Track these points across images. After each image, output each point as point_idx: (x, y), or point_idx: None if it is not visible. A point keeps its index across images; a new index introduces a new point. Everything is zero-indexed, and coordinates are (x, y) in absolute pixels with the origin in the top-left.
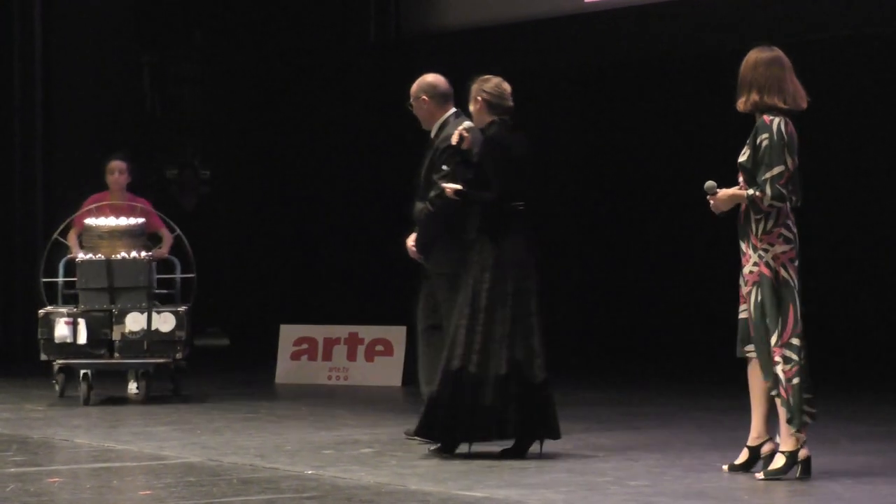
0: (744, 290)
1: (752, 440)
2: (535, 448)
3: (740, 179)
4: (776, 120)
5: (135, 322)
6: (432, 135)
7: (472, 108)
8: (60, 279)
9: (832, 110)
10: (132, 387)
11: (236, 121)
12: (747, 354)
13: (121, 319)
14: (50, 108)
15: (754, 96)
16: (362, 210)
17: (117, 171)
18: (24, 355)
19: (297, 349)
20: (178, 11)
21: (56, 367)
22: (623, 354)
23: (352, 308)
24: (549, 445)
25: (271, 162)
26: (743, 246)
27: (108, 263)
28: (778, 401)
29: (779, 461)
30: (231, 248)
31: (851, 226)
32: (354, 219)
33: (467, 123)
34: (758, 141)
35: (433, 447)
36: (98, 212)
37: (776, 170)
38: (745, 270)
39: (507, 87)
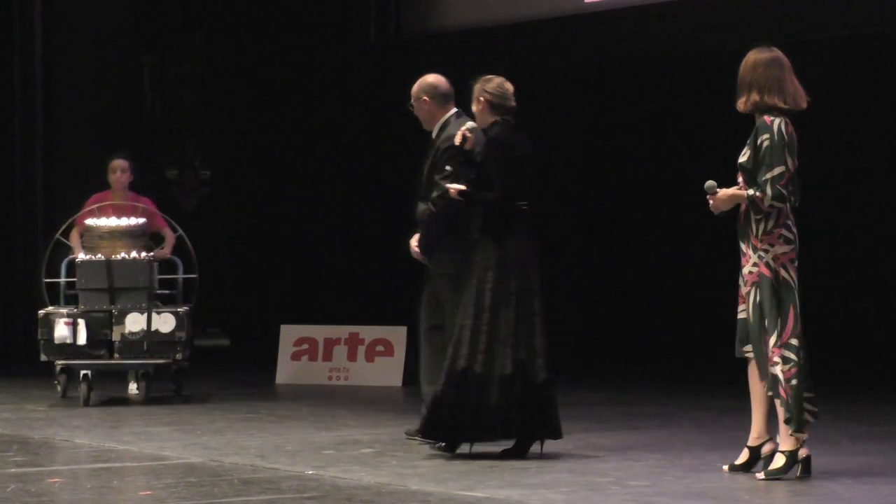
0: (743, 290)
1: (752, 440)
2: (535, 448)
3: (740, 180)
4: (777, 121)
5: (135, 323)
6: (433, 135)
7: (474, 108)
8: (62, 279)
9: (832, 110)
10: (132, 387)
11: (236, 121)
12: (746, 355)
13: (121, 320)
14: (50, 108)
15: (755, 96)
16: (362, 210)
17: (119, 169)
18: (24, 356)
19: (297, 349)
20: (178, 12)
21: (58, 368)
22: (623, 354)
23: (352, 308)
24: (550, 445)
25: (271, 162)
26: (743, 246)
27: (108, 264)
28: (777, 401)
29: (779, 461)
30: (231, 248)
31: (851, 226)
32: (354, 219)
33: (470, 124)
34: (758, 141)
35: (437, 447)
36: (100, 212)
37: (777, 170)
38: (745, 271)
39: (509, 87)
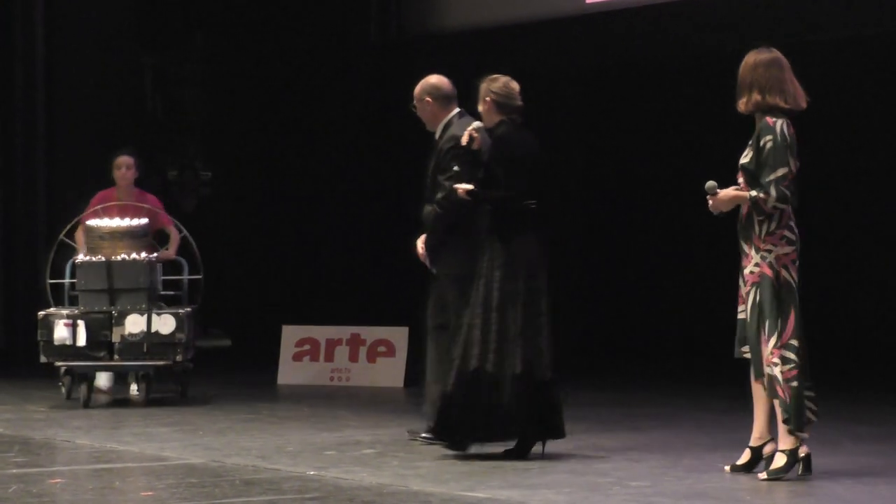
0: (743, 290)
1: (754, 440)
2: (536, 449)
3: (740, 180)
4: (779, 122)
5: (134, 324)
6: (436, 136)
7: (480, 108)
8: (67, 280)
9: (832, 110)
10: (133, 388)
11: (237, 122)
12: (745, 355)
13: (120, 321)
14: (51, 108)
15: (756, 97)
16: (363, 211)
17: (124, 166)
18: (25, 357)
19: (298, 350)
20: (178, 13)
21: (62, 370)
22: (623, 354)
23: (353, 309)
24: (551, 446)
25: (272, 162)
26: (745, 247)
27: (108, 265)
28: (776, 401)
29: (780, 460)
30: (233, 248)
31: (851, 226)
32: (355, 219)
33: (476, 123)
34: (761, 143)
35: (447, 447)
36: (104, 212)
37: (780, 171)
38: (746, 271)
39: (515, 86)
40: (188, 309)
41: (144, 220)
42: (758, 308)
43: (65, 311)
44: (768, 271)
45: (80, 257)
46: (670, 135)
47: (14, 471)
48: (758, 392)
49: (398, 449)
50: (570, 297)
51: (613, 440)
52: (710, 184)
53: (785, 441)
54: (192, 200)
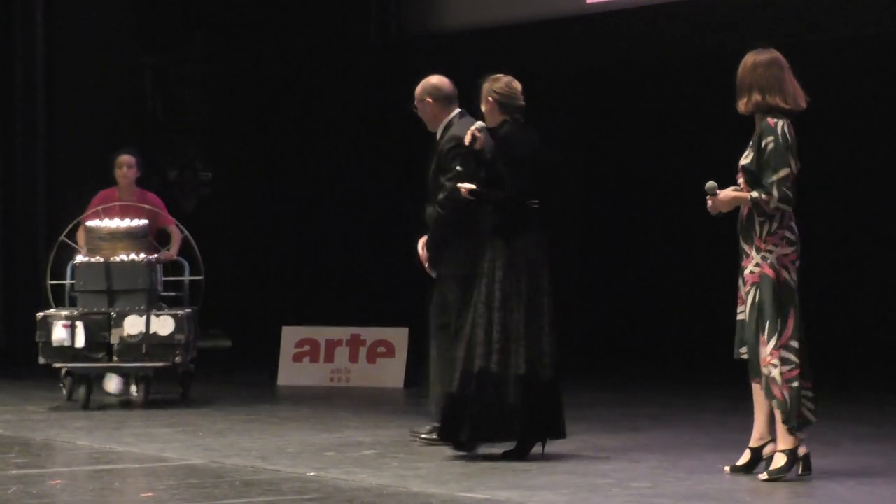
0: (742, 290)
1: (754, 441)
2: (536, 449)
3: (740, 181)
4: (780, 122)
5: (133, 325)
6: (437, 136)
7: (483, 108)
8: (68, 281)
9: (832, 110)
10: (132, 389)
11: (237, 122)
12: (743, 356)
13: (119, 323)
14: (51, 109)
15: (756, 97)
16: (363, 211)
17: (126, 165)
18: (25, 357)
19: (298, 351)
20: (178, 12)
21: (64, 371)
22: (623, 354)
23: (353, 309)
24: (551, 446)
25: (272, 163)
26: (745, 247)
27: (107, 266)
28: (774, 402)
29: (780, 460)
30: (233, 248)
31: (851, 226)
32: (355, 220)
33: (479, 123)
34: (762, 143)
35: (452, 447)
36: (106, 212)
37: (782, 172)
38: (747, 271)
39: (517, 85)
40: (188, 310)
41: (144, 221)
42: (757, 308)
43: (64, 313)
44: (769, 272)
45: (80, 258)
46: (670, 135)
47: (14, 472)
48: (758, 392)
49: (398, 450)
50: (570, 297)
51: (613, 440)
52: (711, 184)
53: (785, 441)
54: (192, 201)
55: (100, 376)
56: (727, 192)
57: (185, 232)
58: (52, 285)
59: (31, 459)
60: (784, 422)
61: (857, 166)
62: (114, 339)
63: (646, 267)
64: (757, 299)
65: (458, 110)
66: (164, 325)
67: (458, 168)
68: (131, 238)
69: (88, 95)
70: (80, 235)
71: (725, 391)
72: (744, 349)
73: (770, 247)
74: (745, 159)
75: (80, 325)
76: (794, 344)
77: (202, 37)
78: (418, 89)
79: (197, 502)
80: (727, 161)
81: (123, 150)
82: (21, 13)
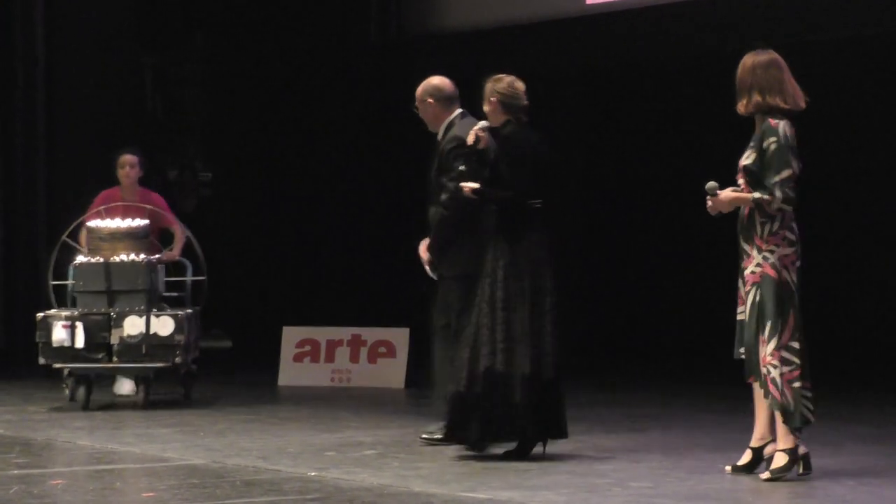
0: (742, 291)
1: (755, 441)
2: (537, 449)
3: (740, 181)
4: (782, 123)
5: (133, 326)
6: (439, 137)
7: (486, 108)
8: (70, 282)
9: (832, 110)
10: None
11: (237, 122)
12: (743, 356)
13: (119, 323)
14: (51, 109)
15: (756, 98)
16: (364, 211)
17: (128, 165)
18: (25, 357)
19: (299, 351)
20: (179, 12)
21: (66, 372)
22: (623, 354)
23: (354, 310)
24: (551, 446)
25: (272, 162)
26: (746, 247)
27: (107, 266)
28: (772, 402)
29: (780, 460)
30: (233, 248)
31: (851, 226)
32: (356, 220)
33: (482, 123)
34: (764, 144)
35: (467, 448)
36: (108, 212)
37: (784, 173)
38: (747, 272)
39: (520, 85)
40: (188, 310)
41: (145, 221)
42: (758, 308)
43: (63, 313)
44: (771, 272)
45: (80, 258)
46: (670, 135)
47: (15, 472)
48: (759, 393)
49: (399, 450)
50: (570, 297)
51: (614, 440)
52: (711, 184)
53: (785, 440)
54: (192, 201)
55: (107, 378)
56: (727, 193)
57: (188, 232)
58: (53, 285)
59: (32, 459)
60: (785, 422)
61: (857, 166)
62: (114, 340)
63: (646, 267)
64: (757, 299)
65: (459, 111)
66: (163, 325)
67: (461, 168)
68: (132, 238)
69: (88, 95)
70: (83, 236)
71: (726, 391)
72: (743, 349)
73: (771, 247)
74: (746, 160)
75: (79, 326)
76: (795, 345)
77: (202, 37)
78: (419, 90)
79: (198, 502)
80: (727, 161)
81: (126, 149)
82: (21, 13)
